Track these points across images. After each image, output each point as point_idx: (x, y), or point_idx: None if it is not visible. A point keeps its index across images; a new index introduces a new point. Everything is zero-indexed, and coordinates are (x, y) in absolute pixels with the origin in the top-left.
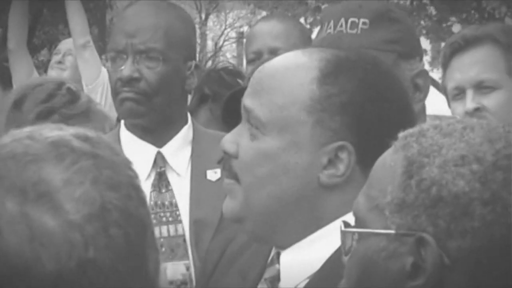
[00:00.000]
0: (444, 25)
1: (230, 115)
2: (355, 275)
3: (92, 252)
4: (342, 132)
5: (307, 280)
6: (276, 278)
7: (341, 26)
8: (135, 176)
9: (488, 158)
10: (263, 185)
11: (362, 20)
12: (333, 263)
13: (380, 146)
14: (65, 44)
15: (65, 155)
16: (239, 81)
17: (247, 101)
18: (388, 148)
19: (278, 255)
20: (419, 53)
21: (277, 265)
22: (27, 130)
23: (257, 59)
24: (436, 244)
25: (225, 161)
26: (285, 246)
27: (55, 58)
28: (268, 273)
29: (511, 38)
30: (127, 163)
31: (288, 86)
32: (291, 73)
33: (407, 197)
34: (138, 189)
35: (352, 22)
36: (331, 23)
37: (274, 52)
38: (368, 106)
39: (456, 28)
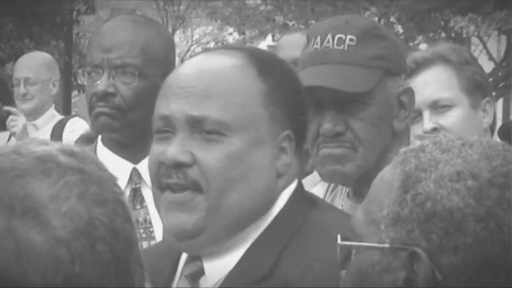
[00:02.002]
0: (411, 44)
1: None
2: None
3: (79, 267)
4: (285, 122)
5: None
6: (197, 275)
7: (328, 42)
8: (120, 193)
9: (484, 175)
10: (234, 186)
11: (349, 36)
12: (253, 252)
13: (305, 134)
14: (20, 72)
15: (51, 170)
16: None
17: (194, 111)
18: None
19: None
20: (404, 70)
21: (198, 262)
22: (13, 145)
23: None
24: (429, 259)
25: (177, 172)
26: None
27: (18, 90)
28: (188, 270)
29: (461, 56)
30: (113, 179)
31: (238, 85)
32: (231, 73)
33: (402, 211)
34: (123, 205)
35: (339, 38)
36: (318, 39)
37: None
38: (298, 96)
39: (423, 47)
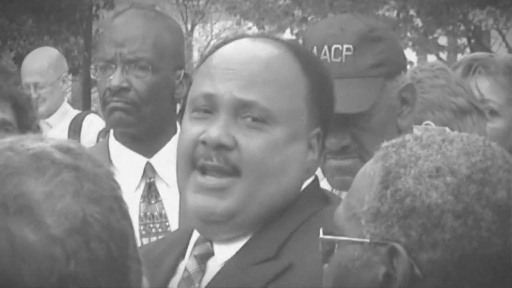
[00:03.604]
0: (430, 37)
1: None
2: (331, 283)
3: (74, 266)
4: (318, 120)
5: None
6: (206, 256)
7: (325, 54)
8: (117, 187)
9: (463, 171)
10: (272, 176)
11: (345, 46)
12: (261, 235)
13: (328, 133)
14: (28, 77)
15: (46, 168)
16: None
17: (243, 94)
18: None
19: None
20: (404, 67)
21: (208, 243)
22: (8, 141)
23: None
24: (408, 255)
25: (218, 154)
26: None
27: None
28: (198, 250)
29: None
30: (109, 175)
31: (287, 76)
32: (281, 63)
33: (382, 207)
34: (120, 201)
35: (336, 49)
36: (314, 50)
37: None
38: (330, 95)
39: (442, 40)
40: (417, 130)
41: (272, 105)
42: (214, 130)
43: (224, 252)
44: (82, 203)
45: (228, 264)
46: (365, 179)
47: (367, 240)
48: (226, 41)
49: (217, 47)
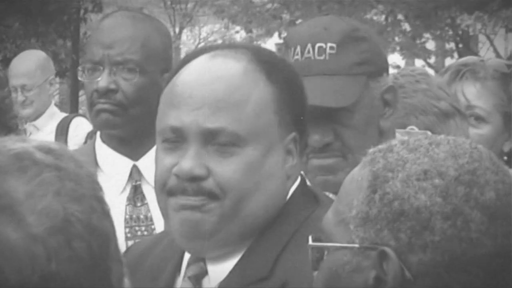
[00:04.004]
0: (418, 41)
1: None
2: None
3: (55, 265)
4: (291, 125)
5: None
6: (200, 276)
7: (309, 52)
8: (99, 188)
9: (451, 173)
10: (250, 196)
11: (329, 44)
12: (253, 252)
13: (307, 133)
14: (15, 80)
15: (28, 168)
16: None
17: (209, 123)
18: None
19: None
20: (386, 69)
21: (201, 263)
22: None
23: None
24: (398, 258)
25: (192, 185)
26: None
27: (16, 97)
28: (191, 271)
29: None
30: (91, 175)
31: (252, 94)
32: (243, 81)
33: (370, 211)
34: (101, 201)
35: (319, 48)
36: (298, 49)
37: None
38: (301, 95)
39: (430, 44)
40: (399, 135)
41: (241, 127)
42: (186, 163)
43: (217, 271)
44: (63, 202)
45: (221, 286)
46: (353, 184)
47: (357, 245)
48: (186, 60)
49: (178, 68)
